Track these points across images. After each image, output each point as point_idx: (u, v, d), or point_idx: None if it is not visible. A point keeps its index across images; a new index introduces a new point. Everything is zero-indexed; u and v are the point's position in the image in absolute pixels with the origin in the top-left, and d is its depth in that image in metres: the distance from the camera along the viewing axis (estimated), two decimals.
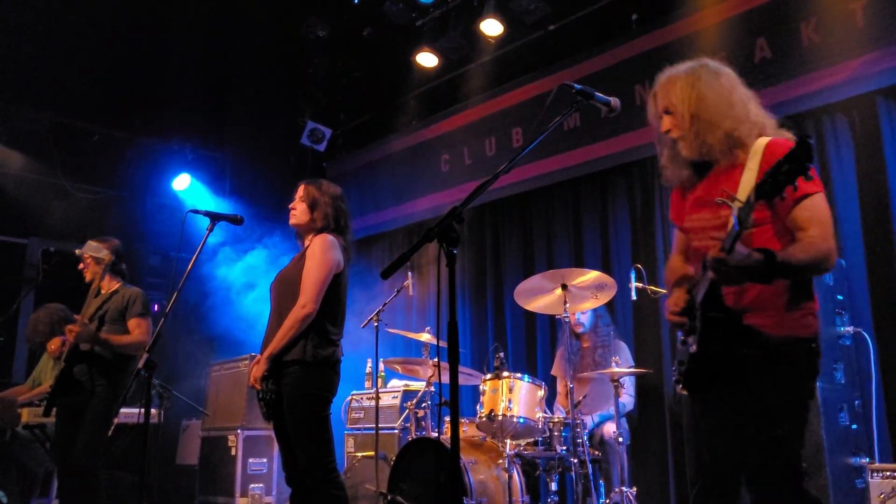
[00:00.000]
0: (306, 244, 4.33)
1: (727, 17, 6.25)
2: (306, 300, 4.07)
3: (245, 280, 8.50)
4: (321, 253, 4.17)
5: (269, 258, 8.54)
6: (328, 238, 4.24)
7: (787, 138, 2.79)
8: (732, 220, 2.39)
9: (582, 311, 6.00)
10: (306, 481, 4.03)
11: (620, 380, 5.53)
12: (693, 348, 2.71)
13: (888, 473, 4.32)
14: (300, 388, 4.03)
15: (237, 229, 4.77)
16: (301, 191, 4.42)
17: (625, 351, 6.04)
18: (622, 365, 5.69)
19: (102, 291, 5.34)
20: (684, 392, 2.85)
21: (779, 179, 2.22)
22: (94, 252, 5.30)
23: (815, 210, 2.62)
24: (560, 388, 6.22)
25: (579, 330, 6.10)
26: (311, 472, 3.99)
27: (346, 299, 4.37)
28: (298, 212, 4.38)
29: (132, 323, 5.18)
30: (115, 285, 5.36)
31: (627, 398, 5.89)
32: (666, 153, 3.01)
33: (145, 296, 5.31)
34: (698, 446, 2.87)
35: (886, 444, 5.08)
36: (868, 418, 5.00)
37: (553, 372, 6.43)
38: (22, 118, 8.64)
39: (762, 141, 2.71)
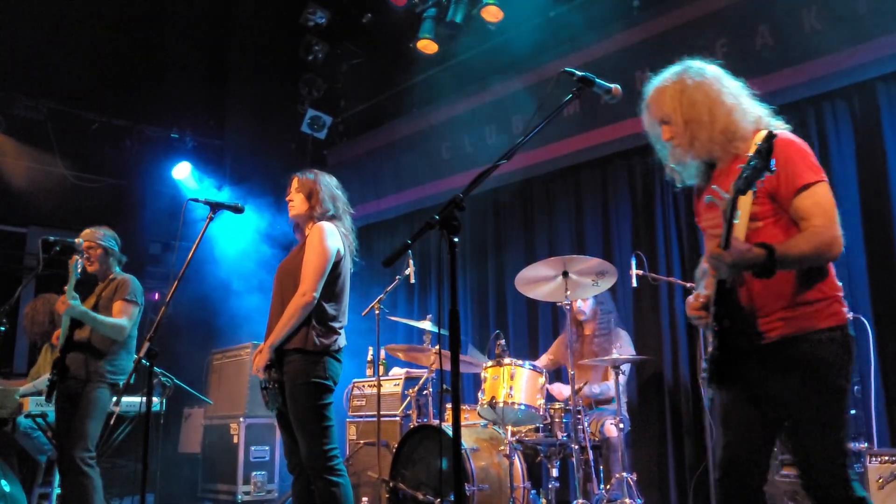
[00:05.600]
0: (306, 234, 4.34)
1: (728, 4, 6.23)
2: (306, 288, 4.08)
3: (245, 268, 8.49)
4: (320, 241, 4.17)
5: (269, 246, 8.54)
6: (327, 226, 4.24)
7: (784, 128, 2.83)
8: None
9: (583, 300, 6.02)
10: (308, 469, 4.05)
11: (621, 367, 5.55)
12: (713, 346, 2.73)
13: (886, 458, 4.34)
14: (302, 375, 4.04)
15: (237, 217, 4.77)
16: (295, 183, 4.42)
17: (625, 338, 6.05)
18: (622, 352, 5.71)
19: (102, 281, 5.37)
20: (714, 387, 2.84)
21: (748, 176, 2.33)
22: (101, 240, 5.34)
23: (817, 199, 2.63)
24: (545, 362, 6.23)
25: (581, 318, 6.11)
26: (312, 459, 4.01)
27: (349, 286, 4.38)
28: (297, 203, 4.38)
29: (116, 306, 5.17)
30: (111, 273, 5.39)
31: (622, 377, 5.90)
32: (673, 159, 3.05)
33: (135, 282, 5.32)
34: (726, 437, 2.86)
35: (884, 429, 5.10)
36: (867, 404, 5.01)
37: (548, 354, 6.40)
38: (21, 106, 8.62)
39: (761, 134, 2.72)
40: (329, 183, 4.44)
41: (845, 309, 2.73)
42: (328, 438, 4.04)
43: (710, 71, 2.93)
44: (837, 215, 2.65)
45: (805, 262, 2.62)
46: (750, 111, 2.85)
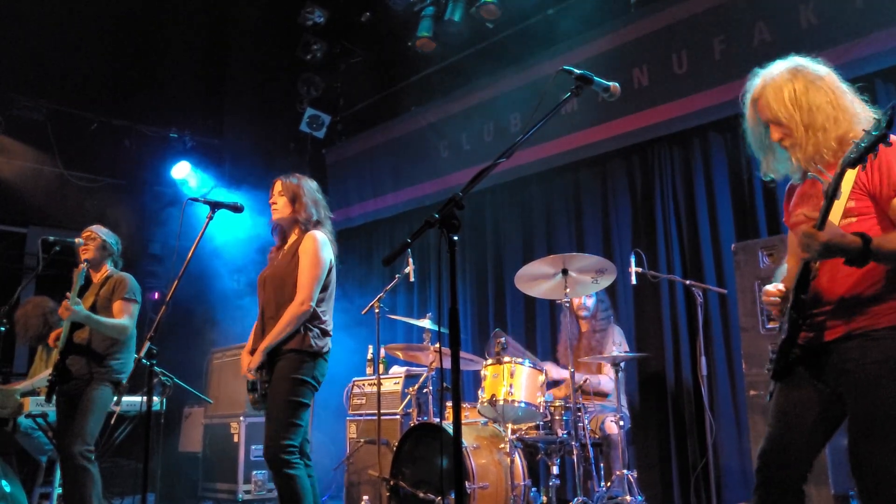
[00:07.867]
0: (291, 238, 4.44)
1: (726, 1, 6.23)
2: (304, 297, 4.17)
3: (244, 268, 8.49)
4: (316, 252, 4.26)
5: (268, 245, 8.51)
6: (320, 236, 4.34)
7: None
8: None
9: (587, 297, 6.02)
10: (266, 459, 4.10)
11: (617, 364, 5.55)
12: (785, 333, 2.69)
13: None
14: (292, 370, 4.12)
15: (237, 216, 4.78)
16: (279, 186, 4.47)
17: (620, 334, 6.06)
18: (616, 348, 5.71)
19: (94, 280, 5.37)
20: (775, 379, 2.81)
21: (867, 145, 2.28)
22: (101, 233, 5.39)
23: None
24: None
25: (582, 313, 6.12)
26: (271, 447, 4.05)
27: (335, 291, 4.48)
28: (280, 206, 4.43)
29: (117, 306, 5.19)
30: (106, 272, 5.40)
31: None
32: (772, 157, 2.96)
33: (133, 280, 5.33)
34: (773, 429, 2.80)
35: None
36: None
37: (558, 356, 6.44)
38: (21, 106, 8.62)
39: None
40: (312, 187, 4.51)
41: None
42: (293, 434, 4.07)
43: (824, 70, 2.86)
44: None
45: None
46: (863, 115, 2.78)
